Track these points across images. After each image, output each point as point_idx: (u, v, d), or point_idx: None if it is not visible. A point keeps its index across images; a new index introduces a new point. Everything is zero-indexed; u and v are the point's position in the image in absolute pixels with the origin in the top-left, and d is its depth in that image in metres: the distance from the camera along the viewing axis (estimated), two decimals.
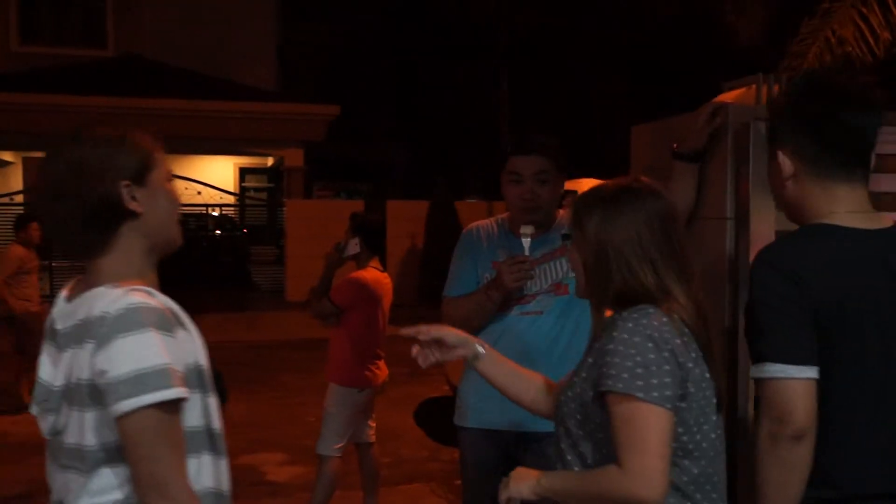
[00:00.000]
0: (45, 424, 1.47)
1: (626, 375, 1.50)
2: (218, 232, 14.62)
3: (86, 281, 1.49)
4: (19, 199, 14.26)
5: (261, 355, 9.91)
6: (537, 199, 2.62)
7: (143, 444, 1.31)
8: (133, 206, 1.47)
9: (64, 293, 1.54)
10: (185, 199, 13.91)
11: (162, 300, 1.42)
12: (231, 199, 15.18)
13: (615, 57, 16.77)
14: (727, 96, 2.89)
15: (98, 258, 1.47)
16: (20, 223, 7.21)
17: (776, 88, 2.68)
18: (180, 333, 1.41)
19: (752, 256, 2.39)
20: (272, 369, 8.84)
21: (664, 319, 1.58)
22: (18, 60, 15.18)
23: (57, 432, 1.44)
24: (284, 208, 13.55)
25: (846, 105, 1.76)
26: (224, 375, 1.66)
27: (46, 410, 1.46)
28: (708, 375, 1.61)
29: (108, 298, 1.37)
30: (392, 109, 20.36)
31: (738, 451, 2.15)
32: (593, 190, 1.81)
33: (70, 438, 1.40)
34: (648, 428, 1.47)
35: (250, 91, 15.07)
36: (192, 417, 1.42)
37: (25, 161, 16.40)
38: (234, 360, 9.40)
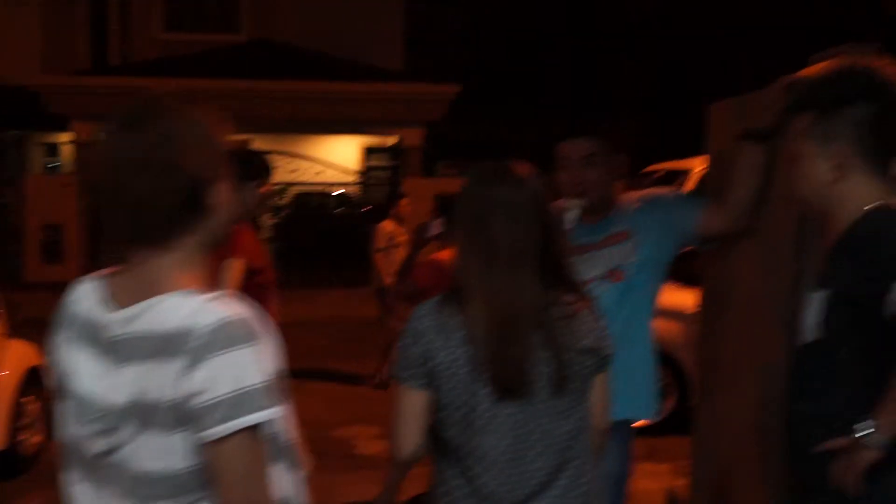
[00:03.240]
0: (97, 446, 1.27)
1: (398, 359, 1.81)
2: (339, 210, 15.04)
3: (135, 282, 1.30)
4: None
5: (376, 331, 10.12)
6: (584, 184, 2.53)
7: (240, 468, 1.21)
8: (211, 201, 1.32)
9: (95, 292, 1.34)
10: (306, 178, 14.44)
11: (243, 307, 1.28)
12: (352, 178, 15.56)
13: (742, 33, 15.97)
14: (813, 69, 2.67)
15: (160, 255, 1.29)
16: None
17: (867, 61, 2.46)
18: (263, 342, 1.28)
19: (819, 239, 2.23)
20: (387, 345, 8.98)
21: (428, 308, 1.77)
22: (162, 47, 16.13)
23: (112, 452, 1.26)
24: (402, 187, 13.75)
25: None
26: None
27: (104, 431, 1.26)
28: (469, 360, 1.70)
29: (189, 309, 1.23)
30: (520, 88, 20.23)
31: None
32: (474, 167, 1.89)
33: (140, 464, 1.24)
34: (399, 402, 1.79)
35: (372, 71, 15.35)
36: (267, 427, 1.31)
37: None
38: (351, 335, 9.66)
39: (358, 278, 13.10)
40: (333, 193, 15.48)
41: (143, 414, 1.23)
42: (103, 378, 1.27)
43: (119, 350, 1.27)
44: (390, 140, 16.93)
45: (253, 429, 1.21)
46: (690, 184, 7.24)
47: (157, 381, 1.22)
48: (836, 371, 1.78)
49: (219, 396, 1.19)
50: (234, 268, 3.03)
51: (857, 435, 1.66)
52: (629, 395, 2.54)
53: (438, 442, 1.80)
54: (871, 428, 1.65)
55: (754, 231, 2.46)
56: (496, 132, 18.90)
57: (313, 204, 14.89)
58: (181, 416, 1.21)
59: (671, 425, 5.18)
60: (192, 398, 1.20)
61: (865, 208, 1.78)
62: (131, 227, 1.30)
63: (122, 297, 1.30)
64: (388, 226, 7.57)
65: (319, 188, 15.14)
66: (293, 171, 14.14)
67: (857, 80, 1.82)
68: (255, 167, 3.29)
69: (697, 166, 7.37)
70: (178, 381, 1.20)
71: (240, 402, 1.19)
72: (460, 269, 1.76)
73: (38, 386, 4.99)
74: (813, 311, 1.82)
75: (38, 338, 5.19)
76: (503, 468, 1.73)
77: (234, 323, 1.23)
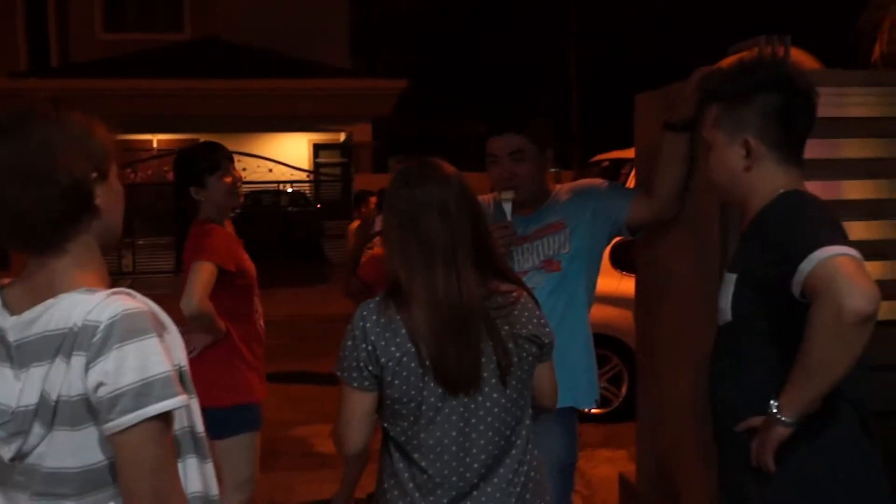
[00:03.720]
0: (7, 451, 1.29)
1: (339, 359, 1.82)
2: (291, 208, 14.95)
3: (34, 286, 1.33)
4: None
5: (333, 329, 10.00)
6: (515, 178, 2.57)
7: (146, 458, 1.23)
8: (98, 201, 1.34)
9: None
10: (256, 177, 14.32)
11: (144, 301, 1.30)
12: (303, 175, 15.47)
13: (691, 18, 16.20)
14: (731, 59, 2.76)
15: (54, 258, 1.32)
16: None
17: (781, 51, 2.55)
18: (166, 335, 1.30)
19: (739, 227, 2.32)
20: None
21: (371, 307, 1.79)
22: (103, 47, 15.84)
23: (23, 456, 1.28)
24: (353, 183, 13.73)
25: (809, 95, 1.88)
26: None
27: (12, 434, 1.28)
28: (415, 357, 1.74)
29: (89, 305, 1.25)
30: (467, 82, 20.28)
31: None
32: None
33: (51, 462, 1.27)
34: (342, 400, 1.81)
35: (320, 68, 15.28)
36: (178, 420, 1.34)
37: None
38: (306, 334, 9.62)
39: (312, 276, 13.07)
40: (285, 191, 15.38)
41: (51, 413, 1.25)
42: (8, 383, 1.29)
43: (22, 353, 1.28)
44: (340, 136, 16.88)
45: (159, 419, 1.23)
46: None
47: (62, 378, 1.23)
48: (747, 351, 1.86)
49: (122, 387, 1.21)
50: (203, 270, 2.83)
51: (768, 413, 1.74)
52: (570, 382, 2.60)
53: (387, 434, 1.84)
54: (775, 407, 1.72)
55: (681, 219, 2.54)
56: (446, 127, 18.95)
57: (265, 203, 14.79)
58: (88, 410, 1.24)
59: (628, 412, 5.27)
60: (96, 391, 1.22)
61: (776, 194, 1.85)
62: (15, 237, 1.31)
63: (22, 302, 1.32)
64: (356, 225, 7.54)
65: (270, 187, 15.04)
66: (243, 170, 14.02)
67: (764, 71, 1.90)
68: (211, 158, 3.08)
69: None
70: (82, 376, 1.22)
71: (143, 392, 1.21)
72: (398, 270, 1.78)
73: None
74: (724, 293, 1.89)
75: None
76: (450, 459, 1.77)
77: (133, 315, 1.24)
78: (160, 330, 1.28)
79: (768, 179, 1.87)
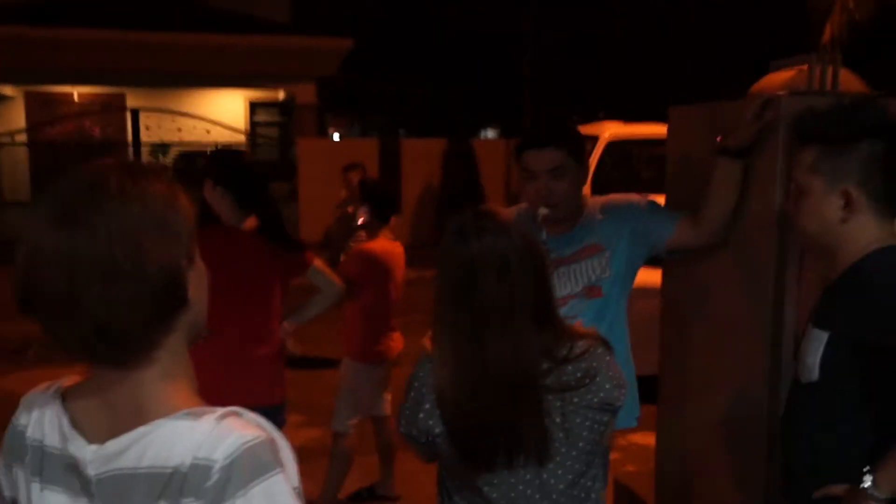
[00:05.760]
0: None
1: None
2: None
3: (112, 404, 1.06)
4: (21, 137, 14.02)
5: (285, 300, 9.58)
6: (553, 196, 2.39)
7: None
8: (189, 290, 1.07)
9: (58, 415, 1.08)
10: (193, 138, 13.71)
11: (256, 422, 1.05)
12: (241, 138, 14.89)
13: None
14: (775, 78, 2.65)
15: (138, 369, 1.06)
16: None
17: (830, 71, 2.45)
18: (283, 458, 1.06)
19: (800, 259, 2.23)
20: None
21: (426, 368, 1.68)
22: None
23: None
24: (296, 148, 13.29)
25: None
26: None
27: None
28: (440, 430, 1.67)
29: (196, 438, 1.00)
30: (411, 42, 19.81)
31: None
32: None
33: None
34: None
35: (260, 23, 14.65)
36: None
37: (27, 96, 16.10)
38: None
39: None
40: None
41: None
42: None
43: (105, 491, 1.03)
44: (279, 94, 16.28)
45: None
46: (598, 151, 7.29)
47: None
48: (836, 415, 1.76)
49: None
50: (324, 266, 3.19)
51: (860, 487, 1.64)
52: None
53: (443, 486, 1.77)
54: (870, 482, 1.63)
55: (726, 244, 2.44)
56: (389, 86, 18.54)
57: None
58: None
59: None
60: None
61: (871, 248, 1.75)
62: (94, 349, 1.03)
63: (98, 424, 1.06)
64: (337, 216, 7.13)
65: (204, 148, 14.46)
66: (178, 130, 13.41)
67: (867, 115, 1.77)
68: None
69: (606, 132, 7.42)
70: None
71: None
72: (442, 336, 1.64)
73: None
74: (812, 350, 1.78)
75: None
76: None
77: (254, 449, 1.00)
78: (279, 456, 1.04)
79: (862, 233, 1.76)
